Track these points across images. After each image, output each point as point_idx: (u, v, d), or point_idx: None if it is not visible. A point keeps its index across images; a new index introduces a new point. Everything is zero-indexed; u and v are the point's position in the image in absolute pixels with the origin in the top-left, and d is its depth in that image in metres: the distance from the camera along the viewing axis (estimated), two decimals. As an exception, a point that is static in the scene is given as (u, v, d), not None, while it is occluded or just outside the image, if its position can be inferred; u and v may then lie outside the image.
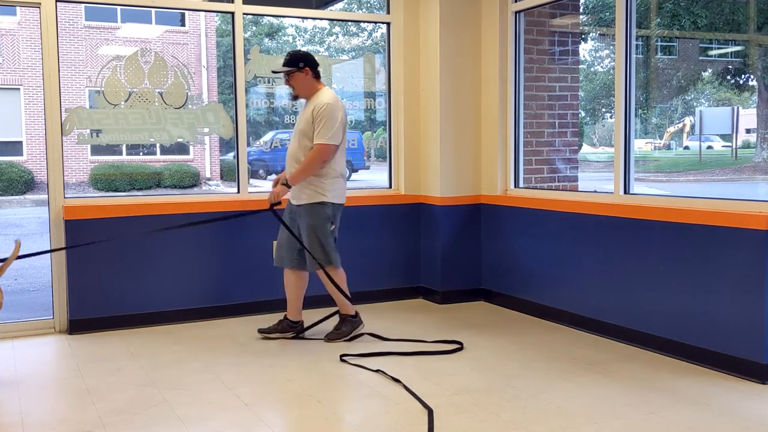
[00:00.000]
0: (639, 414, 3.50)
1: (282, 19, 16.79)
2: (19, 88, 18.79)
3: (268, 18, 15.59)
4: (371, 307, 5.59)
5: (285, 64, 4.73)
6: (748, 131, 16.34)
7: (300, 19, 11.56)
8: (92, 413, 3.56)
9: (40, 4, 4.93)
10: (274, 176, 5.12)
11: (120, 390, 3.89)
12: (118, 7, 13.34)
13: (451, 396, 3.76)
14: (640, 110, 15.03)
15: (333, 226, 4.74)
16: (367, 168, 14.05)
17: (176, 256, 5.28)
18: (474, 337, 4.85)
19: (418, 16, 5.94)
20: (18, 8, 16.62)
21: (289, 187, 4.70)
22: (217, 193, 15.68)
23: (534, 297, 5.43)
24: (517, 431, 3.32)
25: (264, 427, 3.43)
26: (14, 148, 18.69)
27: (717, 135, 16.95)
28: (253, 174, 14.01)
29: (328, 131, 4.59)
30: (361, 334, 4.84)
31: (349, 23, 11.51)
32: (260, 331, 4.91)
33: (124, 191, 16.93)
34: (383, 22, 6.06)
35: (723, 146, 17.23)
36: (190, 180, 18.36)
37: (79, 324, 5.05)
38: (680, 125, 17.46)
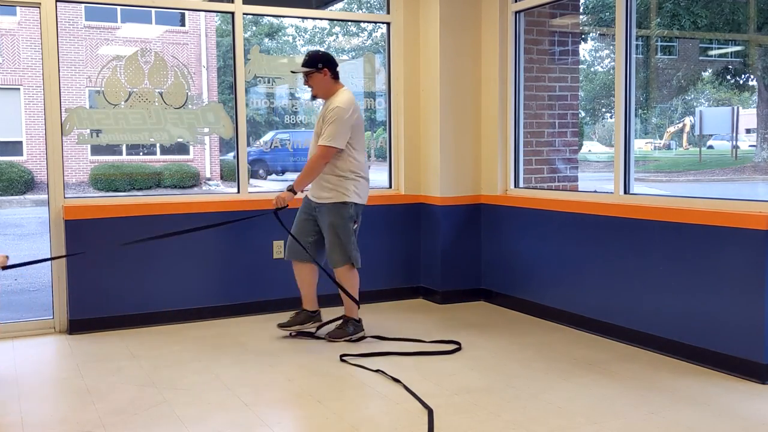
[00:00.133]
0: (639, 414, 3.50)
1: (282, 19, 16.75)
2: (19, 88, 18.79)
3: (268, 18, 15.56)
4: (371, 306, 5.59)
5: (304, 65, 4.74)
6: (748, 131, 16.32)
7: (300, 19, 11.53)
8: (92, 413, 3.56)
9: (40, 4, 4.93)
10: (273, 176, 5.13)
11: (120, 390, 3.89)
12: (118, 7, 13.33)
13: (451, 396, 3.76)
14: (640, 110, 15.01)
15: (356, 225, 4.77)
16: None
17: (176, 256, 5.28)
18: (474, 337, 4.85)
19: (418, 16, 5.94)
20: (18, 8, 16.61)
21: (295, 193, 4.71)
22: (217, 193, 15.67)
23: (534, 297, 5.43)
24: (517, 431, 3.32)
25: (264, 427, 3.43)
26: (14, 148, 18.68)
27: (720, 135, 16.89)
28: (253, 174, 13.98)
29: (331, 134, 4.60)
30: (363, 338, 4.85)
31: (349, 23, 11.49)
32: (280, 326, 4.90)
33: (124, 191, 16.91)
34: (383, 22, 6.06)
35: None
36: (190, 180, 18.35)
37: (79, 324, 5.05)
38: (680, 125, 17.44)
